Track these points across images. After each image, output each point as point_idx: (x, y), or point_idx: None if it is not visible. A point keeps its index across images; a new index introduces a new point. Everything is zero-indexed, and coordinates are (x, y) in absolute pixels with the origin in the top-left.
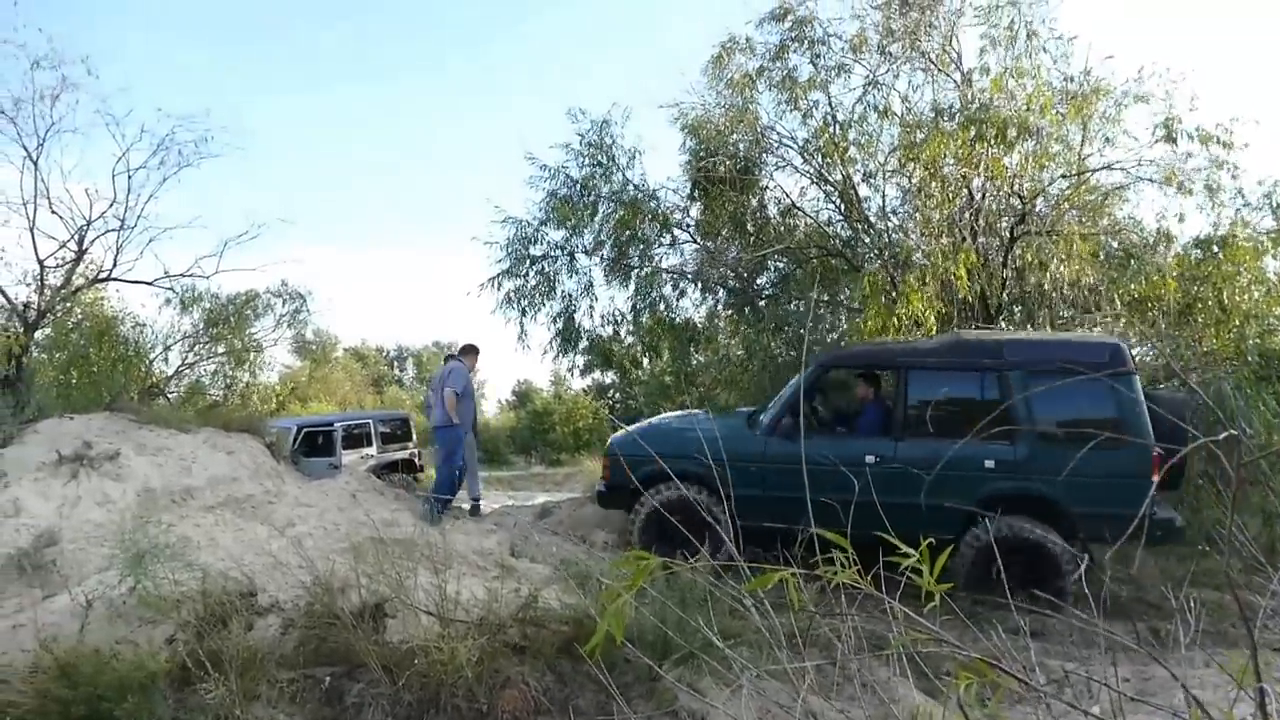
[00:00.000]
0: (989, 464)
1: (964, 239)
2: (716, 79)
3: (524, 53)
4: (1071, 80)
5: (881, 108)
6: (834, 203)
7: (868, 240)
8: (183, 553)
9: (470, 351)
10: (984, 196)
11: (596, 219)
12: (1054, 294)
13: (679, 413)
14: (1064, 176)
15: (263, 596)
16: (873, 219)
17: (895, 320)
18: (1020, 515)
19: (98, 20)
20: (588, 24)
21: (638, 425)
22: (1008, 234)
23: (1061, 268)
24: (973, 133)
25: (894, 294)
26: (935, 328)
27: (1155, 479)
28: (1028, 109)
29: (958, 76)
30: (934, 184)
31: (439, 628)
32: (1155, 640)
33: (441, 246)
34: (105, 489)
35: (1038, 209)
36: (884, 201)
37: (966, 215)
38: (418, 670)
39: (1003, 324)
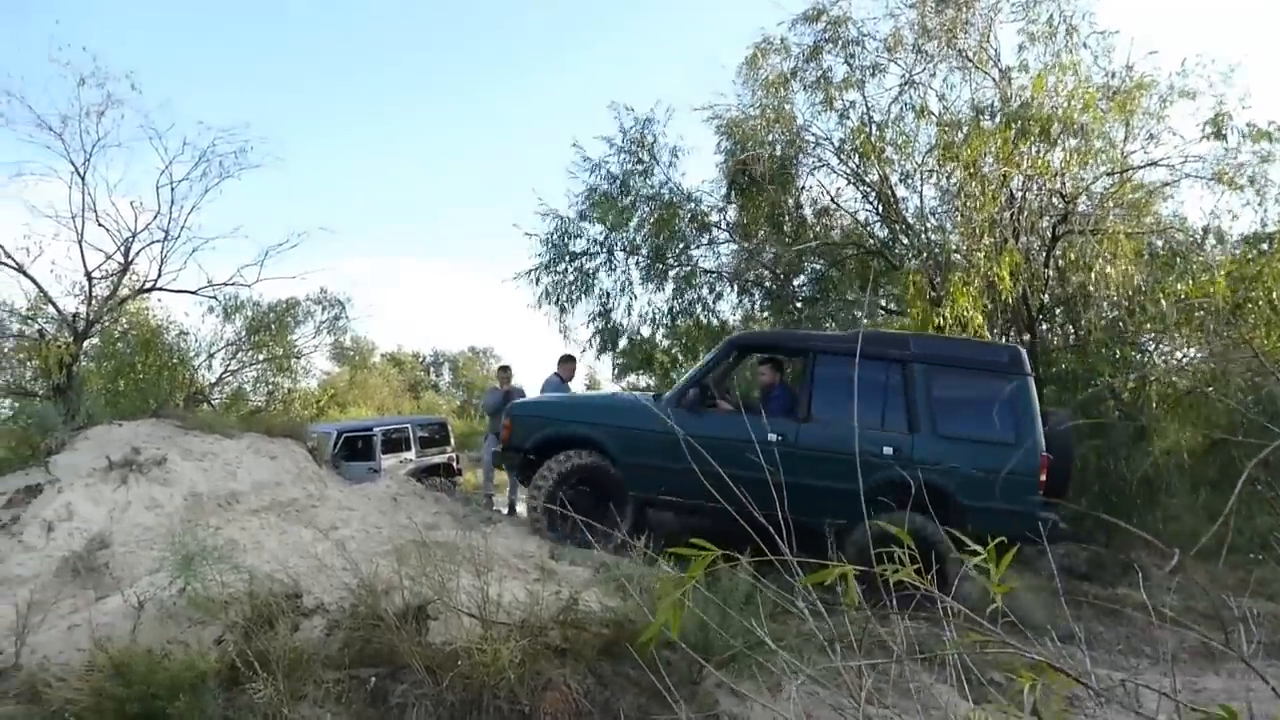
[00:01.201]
0: (886, 451)
1: (1005, 239)
2: (751, 80)
3: (566, 78)
4: (1113, 76)
5: (918, 107)
6: (871, 203)
7: (906, 241)
8: (230, 555)
9: (568, 361)
10: (1024, 195)
11: (634, 220)
12: (1098, 294)
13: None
14: (1107, 174)
15: (308, 598)
16: (910, 220)
17: (939, 321)
18: (911, 505)
19: (134, 32)
20: (629, 42)
21: (547, 395)
22: (1049, 234)
23: (1107, 267)
24: (1015, 130)
25: (935, 294)
26: (984, 328)
27: (1043, 478)
28: (1069, 105)
29: (996, 74)
30: (974, 184)
31: (481, 630)
32: (1208, 651)
33: (479, 252)
34: (154, 493)
35: (1080, 208)
36: (921, 202)
37: (1007, 215)
38: (460, 672)
39: (1044, 326)
